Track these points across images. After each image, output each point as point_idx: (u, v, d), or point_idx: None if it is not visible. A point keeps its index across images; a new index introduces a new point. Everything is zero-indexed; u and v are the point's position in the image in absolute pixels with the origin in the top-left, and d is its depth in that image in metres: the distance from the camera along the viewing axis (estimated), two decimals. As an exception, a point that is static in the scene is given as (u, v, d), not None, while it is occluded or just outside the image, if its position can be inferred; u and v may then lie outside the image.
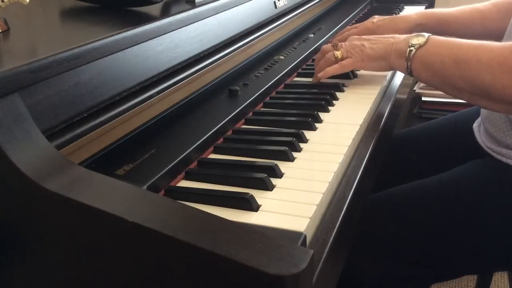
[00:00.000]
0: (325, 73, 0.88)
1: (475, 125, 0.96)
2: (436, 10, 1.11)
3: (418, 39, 0.81)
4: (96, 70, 0.57)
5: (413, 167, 1.04)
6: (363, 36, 0.90)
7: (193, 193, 0.58)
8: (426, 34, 0.81)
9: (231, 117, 0.73)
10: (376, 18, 1.09)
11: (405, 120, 1.81)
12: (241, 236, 0.41)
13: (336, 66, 0.88)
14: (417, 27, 1.07)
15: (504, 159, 0.82)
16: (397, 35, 0.88)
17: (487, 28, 1.03)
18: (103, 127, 0.57)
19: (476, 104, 0.80)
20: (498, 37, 0.90)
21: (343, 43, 0.90)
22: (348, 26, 1.16)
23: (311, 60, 1.06)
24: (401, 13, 1.54)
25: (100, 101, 0.57)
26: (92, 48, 0.57)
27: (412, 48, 0.81)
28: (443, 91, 0.82)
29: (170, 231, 0.40)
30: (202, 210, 0.45)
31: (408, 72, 0.83)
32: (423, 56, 0.80)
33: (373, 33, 1.08)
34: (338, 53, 0.89)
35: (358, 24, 1.13)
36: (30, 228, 0.47)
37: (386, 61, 0.86)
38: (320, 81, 0.92)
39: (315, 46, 1.09)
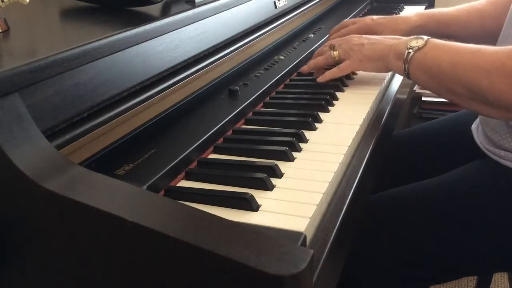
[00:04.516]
0: (323, 77, 0.87)
1: (473, 126, 0.96)
2: (435, 10, 1.10)
3: (417, 42, 0.80)
4: (96, 70, 0.57)
5: (413, 167, 1.04)
6: (363, 36, 0.89)
7: (193, 193, 0.58)
8: (426, 37, 0.80)
9: (231, 117, 0.73)
10: (375, 16, 1.08)
11: (405, 120, 1.81)
12: (241, 236, 0.41)
13: (334, 70, 0.88)
14: (417, 28, 1.06)
15: (502, 161, 0.82)
16: (397, 37, 0.87)
17: (485, 26, 1.02)
18: (103, 127, 0.57)
19: (474, 109, 0.79)
20: (497, 35, 0.90)
21: (340, 42, 0.89)
22: (346, 20, 1.13)
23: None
24: (401, 13, 1.54)
25: (100, 101, 0.57)
26: (92, 48, 0.57)
27: (410, 50, 0.79)
28: (440, 96, 0.81)
29: (170, 231, 0.40)
30: (202, 210, 0.45)
31: (406, 74, 0.82)
32: (421, 59, 0.79)
33: (372, 30, 1.07)
34: (335, 53, 0.88)
35: (356, 19, 1.10)
36: (30, 228, 0.47)
37: (383, 62, 0.85)
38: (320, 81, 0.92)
39: (315, 46, 1.09)
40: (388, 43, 0.85)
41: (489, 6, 1.04)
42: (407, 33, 1.06)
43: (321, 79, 0.86)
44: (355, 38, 0.89)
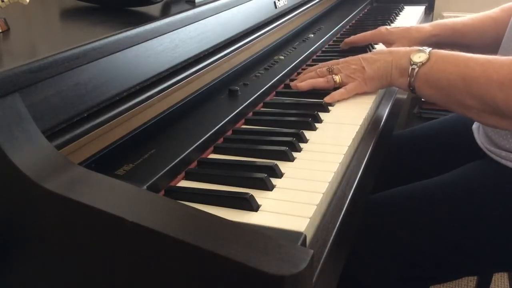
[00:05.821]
0: (331, 98, 0.84)
1: (474, 126, 0.96)
2: (448, 20, 1.09)
3: (419, 56, 0.79)
4: (96, 70, 0.57)
5: (413, 167, 1.04)
6: (359, 57, 0.87)
7: (193, 193, 0.58)
8: (427, 49, 0.80)
9: (231, 117, 0.73)
10: (389, 26, 1.07)
11: (405, 120, 1.81)
12: (241, 236, 0.41)
13: (342, 91, 0.85)
14: (432, 38, 1.05)
15: (503, 161, 0.82)
16: (394, 49, 0.86)
17: (500, 33, 1.01)
18: (103, 127, 0.57)
19: (483, 121, 0.78)
20: None
21: (339, 67, 0.87)
22: (361, 34, 1.11)
23: (311, 60, 1.06)
24: (401, 13, 1.55)
25: (100, 101, 0.57)
26: (92, 48, 0.57)
27: (414, 66, 0.79)
28: (447, 108, 0.80)
29: (170, 231, 0.40)
30: (202, 210, 0.45)
31: (411, 89, 0.81)
32: (427, 74, 0.78)
33: (386, 39, 1.07)
34: (337, 78, 0.86)
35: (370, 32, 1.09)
36: (30, 228, 0.47)
37: (386, 79, 0.84)
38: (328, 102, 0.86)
39: (315, 46, 1.09)
40: (387, 59, 0.84)
41: (503, 13, 1.03)
42: (421, 43, 1.04)
43: (329, 99, 0.84)
44: (354, 62, 0.87)
